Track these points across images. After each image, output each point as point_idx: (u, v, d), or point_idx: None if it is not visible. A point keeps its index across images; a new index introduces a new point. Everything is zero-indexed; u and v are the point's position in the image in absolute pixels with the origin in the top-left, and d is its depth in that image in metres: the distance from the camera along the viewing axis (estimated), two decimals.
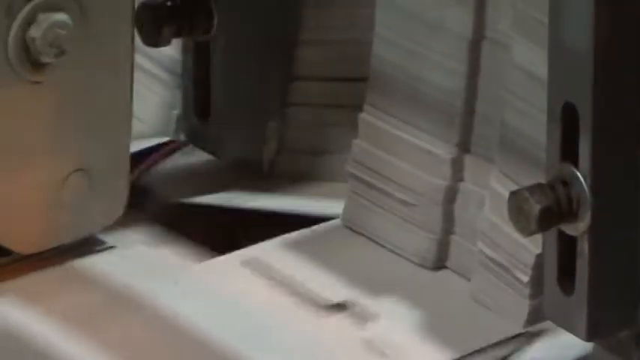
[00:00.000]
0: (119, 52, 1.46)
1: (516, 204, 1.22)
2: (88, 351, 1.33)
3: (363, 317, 1.39)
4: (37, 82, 1.37)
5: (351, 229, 1.52)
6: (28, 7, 1.33)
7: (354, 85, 1.55)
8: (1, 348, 1.38)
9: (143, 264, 1.47)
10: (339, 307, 1.42)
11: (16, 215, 1.48)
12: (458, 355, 1.35)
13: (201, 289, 1.46)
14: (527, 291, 1.36)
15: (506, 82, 1.39)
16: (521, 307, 1.40)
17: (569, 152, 1.17)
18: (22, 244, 1.48)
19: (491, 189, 1.39)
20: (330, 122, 1.61)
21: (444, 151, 1.46)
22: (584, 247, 1.20)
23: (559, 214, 1.17)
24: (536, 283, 1.34)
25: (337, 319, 1.40)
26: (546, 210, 1.18)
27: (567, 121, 1.20)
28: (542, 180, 1.21)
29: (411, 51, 1.46)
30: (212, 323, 1.36)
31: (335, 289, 1.43)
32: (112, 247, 1.48)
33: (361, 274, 1.45)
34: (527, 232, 1.20)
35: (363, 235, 1.50)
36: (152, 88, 1.64)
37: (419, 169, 1.49)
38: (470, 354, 1.37)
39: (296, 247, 1.51)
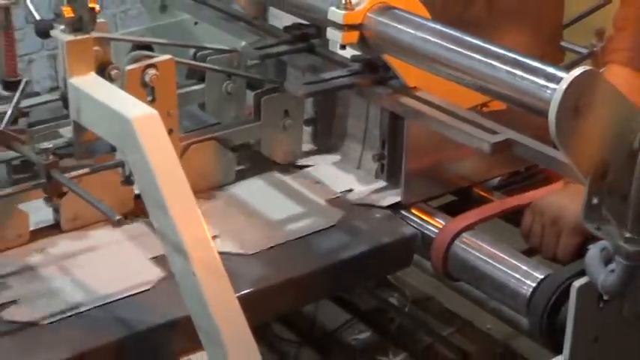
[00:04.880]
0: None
1: (372, 155, 2.01)
2: None
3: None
4: (285, 130, 2.11)
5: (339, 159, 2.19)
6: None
7: None
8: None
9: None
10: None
11: (279, 152, 2.16)
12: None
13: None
14: (375, 174, 2.09)
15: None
16: (372, 171, 2.10)
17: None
18: (279, 158, 2.15)
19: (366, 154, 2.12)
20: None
21: (358, 147, 2.14)
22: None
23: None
24: (379, 168, 2.08)
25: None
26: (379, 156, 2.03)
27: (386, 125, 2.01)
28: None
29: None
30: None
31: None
32: (291, 163, 2.17)
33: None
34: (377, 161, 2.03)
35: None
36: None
37: (353, 149, 2.16)
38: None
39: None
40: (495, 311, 1.99)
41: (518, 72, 1.54)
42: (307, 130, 2.27)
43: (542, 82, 1.50)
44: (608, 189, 1.50)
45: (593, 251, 1.59)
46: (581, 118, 1.43)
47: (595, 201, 1.50)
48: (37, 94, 2.03)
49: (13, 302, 1.73)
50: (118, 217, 1.56)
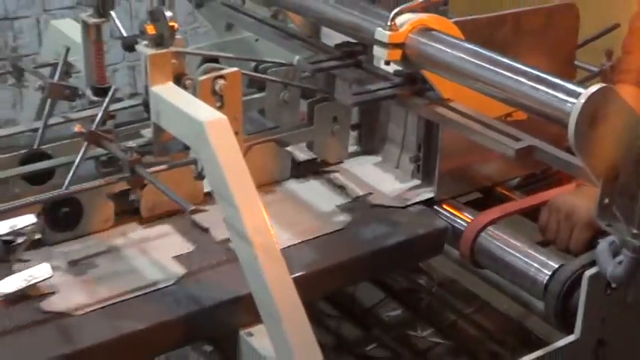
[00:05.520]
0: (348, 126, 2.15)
1: (409, 157, 2.01)
2: None
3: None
4: (334, 134, 2.11)
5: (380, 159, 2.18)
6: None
7: None
8: None
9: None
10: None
11: (328, 153, 2.15)
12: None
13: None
14: (411, 173, 2.08)
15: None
16: (409, 171, 2.10)
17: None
18: (330, 159, 2.14)
19: (404, 156, 2.12)
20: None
21: (397, 149, 2.13)
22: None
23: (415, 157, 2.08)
24: (415, 169, 2.08)
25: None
26: (415, 158, 2.02)
27: (422, 131, 2.03)
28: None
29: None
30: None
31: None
32: (340, 163, 2.16)
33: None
34: (414, 162, 2.03)
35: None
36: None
37: (392, 152, 2.15)
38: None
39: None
40: (511, 294, 1.97)
41: (542, 87, 1.52)
42: (353, 134, 2.26)
43: (563, 96, 1.47)
44: (618, 190, 1.48)
45: (603, 245, 1.59)
46: (597, 128, 1.42)
47: (606, 201, 1.48)
48: (120, 99, 2.02)
49: (99, 279, 1.74)
50: (191, 208, 1.56)
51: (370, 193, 2.07)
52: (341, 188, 2.10)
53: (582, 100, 1.40)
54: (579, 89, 1.45)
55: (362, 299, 2.65)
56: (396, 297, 2.66)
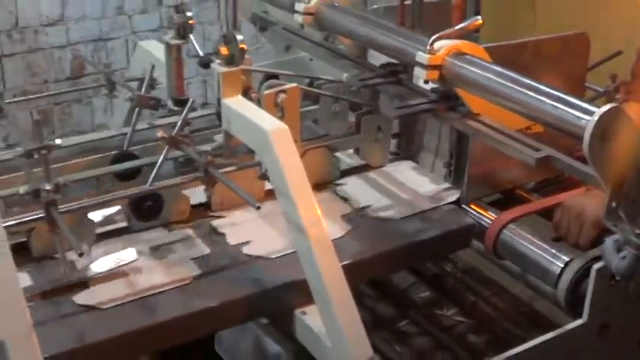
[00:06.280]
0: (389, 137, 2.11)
1: (442, 162, 1.97)
2: None
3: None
4: (377, 141, 2.06)
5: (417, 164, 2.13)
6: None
7: None
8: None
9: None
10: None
11: (372, 158, 2.11)
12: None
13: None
14: (444, 177, 2.05)
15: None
16: (442, 175, 2.04)
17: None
18: (374, 163, 2.10)
19: (437, 162, 2.07)
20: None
21: (432, 156, 2.09)
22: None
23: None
24: (447, 173, 2.04)
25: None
26: (447, 164, 2.01)
27: (454, 140, 1.99)
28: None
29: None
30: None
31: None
32: (382, 166, 2.11)
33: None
34: (446, 168, 2.01)
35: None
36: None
37: (427, 158, 2.12)
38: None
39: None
40: (523, 280, 1.94)
41: (561, 106, 1.50)
42: (394, 142, 2.21)
43: (579, 114, 1.46)
44: (624, 196, 1.46)
45: (608, 242, 1.57)
46: (607, 142, 1.41)
47: (614, 205, 1.47)
48: (195, 109, 1.97)
49: (177, 263, 1.73)
50: (257, 205, 1.55)
51: (409, 193, 2.04)
52: (382, 188, 2.07)
53: (596, 117, 1.40)
54: (593, 108, 1.43)
55: (396, 282, 2.58)
56: (425, 281, 2.60)
